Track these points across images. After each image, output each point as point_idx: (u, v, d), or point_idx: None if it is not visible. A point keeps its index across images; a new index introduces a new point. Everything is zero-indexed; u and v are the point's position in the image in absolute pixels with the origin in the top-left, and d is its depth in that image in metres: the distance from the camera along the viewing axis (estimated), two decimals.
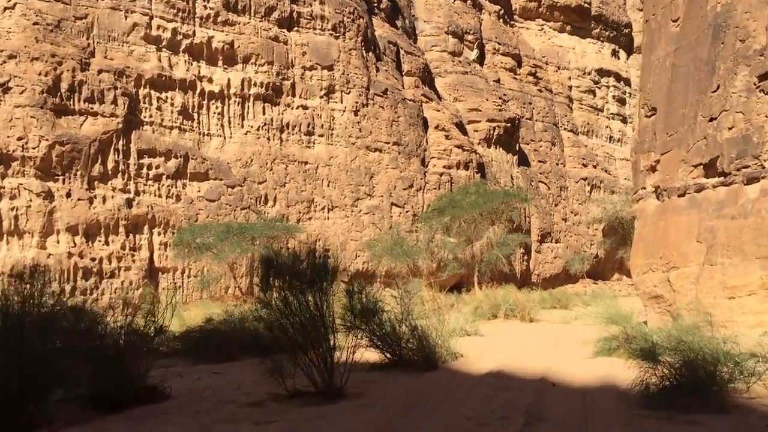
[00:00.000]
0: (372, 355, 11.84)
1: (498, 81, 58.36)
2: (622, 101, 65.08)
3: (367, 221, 46.05)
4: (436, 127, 50.62)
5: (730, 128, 16.38)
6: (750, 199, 15.75)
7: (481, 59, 58.78)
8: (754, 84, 15.94)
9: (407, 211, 47.64)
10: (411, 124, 49.10)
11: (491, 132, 54.34)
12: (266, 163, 43.23)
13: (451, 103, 55.20)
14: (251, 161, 42.61)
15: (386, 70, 49.74)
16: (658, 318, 18.17)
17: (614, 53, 64.83)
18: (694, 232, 16.90)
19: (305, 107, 45.23)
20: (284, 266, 10.34)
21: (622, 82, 65.07)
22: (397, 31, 53.23)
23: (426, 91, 52.43)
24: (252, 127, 43.10)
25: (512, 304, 21.65)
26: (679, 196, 17.52)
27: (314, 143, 45.40)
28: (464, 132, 53.05)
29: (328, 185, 45.26)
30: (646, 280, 18.44)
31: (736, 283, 15.49)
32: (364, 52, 47.92)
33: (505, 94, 57.86)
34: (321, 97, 46.01)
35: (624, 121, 64.75)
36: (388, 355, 11.58)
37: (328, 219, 44.96)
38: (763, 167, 15.57)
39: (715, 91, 16.92)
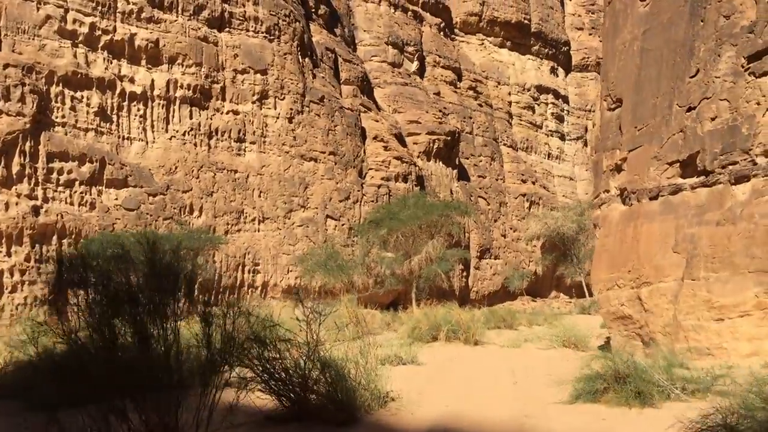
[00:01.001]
0: (267, 401, 8.26)
1: (438, 94, 55.62)
2: (560, 118, 63.18)
3: (300, 234, 42.34)
4: (375, 138, 47.38)
5: (712, 119, 13.45)
6: (739, 201, 12.80)
7: (421, 71, 55.99)
8: (742, 66, 13.06)
9: (343, 224, 44.10)
10: (348, 133, 45.73)
11: (431, 145, 51.41)
12: (192, 171, 39.16)
13: (390, 114, 52.11)
14: (176, 168, 38.48)
15: (323, 77, 46.32)
16: (625, 342, 15.04)
17: (553, 71, 62.99)
18: (670, 242, 13.88)
19: (236, 112, 41.37)
20: (96, 272, 6.46)
21: (560, 100, 63.21)
22: (335, 39, 49.93)
23: (365, 100, 49.19)
24: (177, 131, 39.01)
25: (454, 324, 18.30)
26: (651, 199, 14.50)
27: (245, 151, 41.55)
28: (403, 144, 49.97)
29: (260, 195, 41.42)
30: (611, 297, 15.32)
31: (725, 301, 12.47)
32: (300, 57, 44.40)
33: (445, 108, 55.11)
34: (253, 103, 42.23)
35: (562, 138, 62.82)
36: (286, 403, 7.95)
37: (258, 231, 41.07)
38: (755, 163, 12.66)
39: (693, 77, 13.99)
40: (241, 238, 39.95)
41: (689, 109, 13.93)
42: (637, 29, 15.73)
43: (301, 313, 8.59)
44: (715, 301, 12.60)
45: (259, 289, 40.98)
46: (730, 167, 13.06)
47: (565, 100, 63.73)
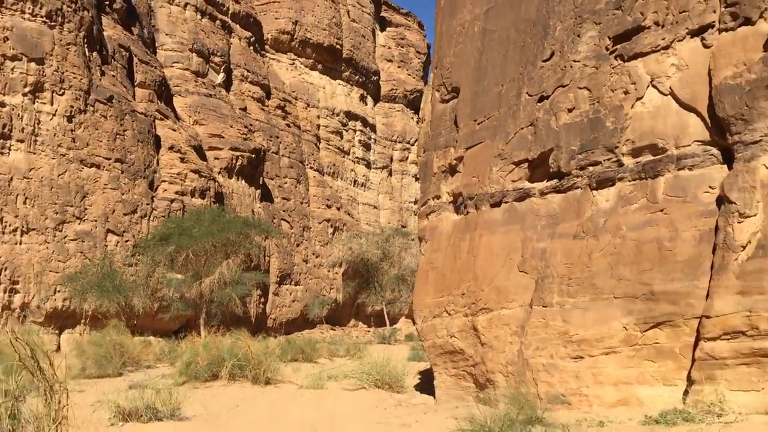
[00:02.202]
0: None
1: (245, 110, 51.16)
2: (367, 146, 61.17)
3: (73, 249, 35.55)
4: (171, 148, 41.80)
5: (570, 110, 10.65)
6: (602, 210, 10.01)
7: (227, 84, 51.24)
8: (607, 48, 10.41)
9: (127, 241, 37.88)
10: (140, 140, 39.79)
11: (234, 162, 46.69)
12: None
13: (190, 125, 46.75)
14: None
15: (114, 76, 40.10)
16: (453, 383, 11.72)
17: (362, 98, 61.00)
18: (516, 258, 10.82)
19: (2, 104, 34.08)
20: None
21: (368, 128, 61.26)
22: (132, 37, 43.86)
23: (162, 107, 43.47)
24: None
25: (242, 357, 14.05)
26: (492, 206, 11.40)
27: (10, 149, 34.20)
28: (203, 158, 44.79)
29: (25, 202, 34.18)
30: (438, 327, 11.96)
31: (585, 334, 9.50)
32: (86, 50, 37.93)
33: (251, 124, 50.72)
34: (25, 95, 35.01)
35: (368, 166, 60.75)
36: None
37: (20, 244, 33.76)
38: (621, 164, 9.95)
39: (547, 60, 11.17)
40: None
41: (542, 99, 11.06)
42: (478, 8, 12.77)
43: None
44: (573, 334, 9.61)
45: (17, 311, 33.62)
46: (591, 168, 10.27)
47: (373, 128, 61.94)
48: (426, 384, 13.90)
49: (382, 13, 67.86)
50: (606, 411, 8.99)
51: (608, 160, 10.09)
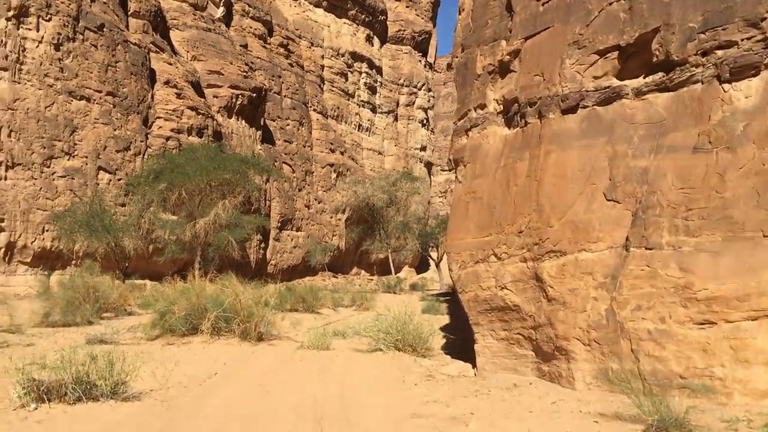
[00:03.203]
0: None
1: (246, 47, 47.18)
2: (373, 90, 57.14)
3: (62, 186, 32.24)
4: (167, 83, 38.09)
5: None
6: (740, 110, 6.56)
7: (227, 19, 47.13)
8: None
9: (119, 179, 34.48)
10: (133, 73, 36.05)
11: (233, 100, 42.99)
12: None
13: (188, 61, 42.90)
14: None
15: (105, 3, 36.08)
16: (504, 350, 8.51)
17: (369, 39, 56.70)
18: (601, 182, 7.51)
19: None
20: None
21: (374, 70, 57.13)
22: None
23: (157, 39, 39.57)
24: None
25: (229, 308, 10.87)
26: (565, 112, 8.02)
27: None
28: (201, 95, 41.10)
29: (9, 135, 30.71)
30: (482, 275, 8.71)
31: (718, 290, 6.29)
32: None
33: (252, 62, 46.82)
34: (8, 20, 31.14)
35: (374, 110, 56.81)
36: None
37: (5, 179, 30.45)
38: None
39: None
40: None
41: None
42: None
43: None
44: (699, 289, 6.36)
45: (2, 251, 30.50)
46: (721, 53, 6.86)
47: (379, 71, 57.80)
48: (455, 346, 10.74)
49: None
50: (754, 402, 5.80)
51: (749, 39, 6.67)
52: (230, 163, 28.02)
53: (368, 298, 21.22)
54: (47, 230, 31.32)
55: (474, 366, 8.99)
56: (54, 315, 14.13)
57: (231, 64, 44.09)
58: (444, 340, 11.54)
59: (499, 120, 9.13)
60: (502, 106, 9.09)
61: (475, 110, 9.51)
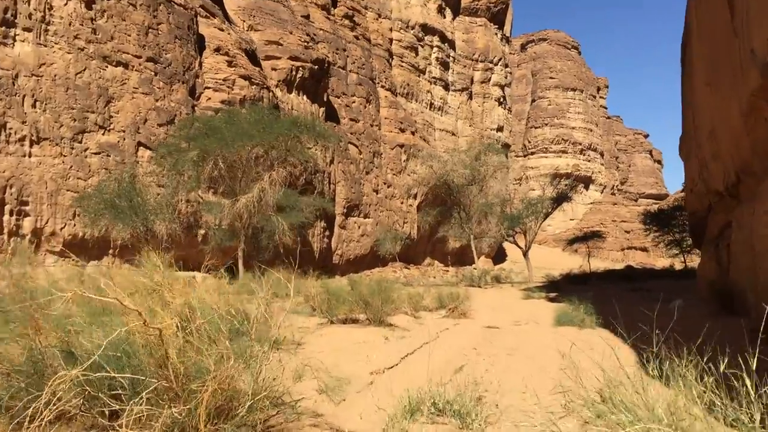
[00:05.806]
0: None
1: (307, 17, 40.82)
2: (445, 65, 49.98)
3: (96, 165, 26.61)
4: (217, 50, 32.06)
5: None
6: None
7: None
8: None
9: (162, 156, 28.59)
10: (178, 37, 30.16)
11: (293, 73, 36.68)
12: None
13: (243, 30, 36.84)
14: None
15: None
16: None
17: (440, 10, 49.55)
18: None
19: None
20: None
21: (446, 44, 49.96)
22: None
23: (207, 3, 33.63)
24: None
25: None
26: None
27: (14, 39, 25.19)
28: (257, 64, 34.94)
29: (34, 105, 25.27)
30: None
31: None
32: None
33: (315, 34, 40.42)
34: None
35: (446, 87, 49.66)
36: None
37: (29, 156, 24.99)
38: None
39: None
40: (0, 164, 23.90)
41: None
42: None
43: None
44: None
45: (28, 238, 25.03)
46: None
47: (452, 45, 50.60)
48: None
49: None
50: None
51: None
52: (279, 126, 21.42)
53: (458, 297, 14.11)
54: (78, 215, 25.70)
55: None
56: None
57: (291, 34, 37.80)
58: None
59: None
60: None
61: None
